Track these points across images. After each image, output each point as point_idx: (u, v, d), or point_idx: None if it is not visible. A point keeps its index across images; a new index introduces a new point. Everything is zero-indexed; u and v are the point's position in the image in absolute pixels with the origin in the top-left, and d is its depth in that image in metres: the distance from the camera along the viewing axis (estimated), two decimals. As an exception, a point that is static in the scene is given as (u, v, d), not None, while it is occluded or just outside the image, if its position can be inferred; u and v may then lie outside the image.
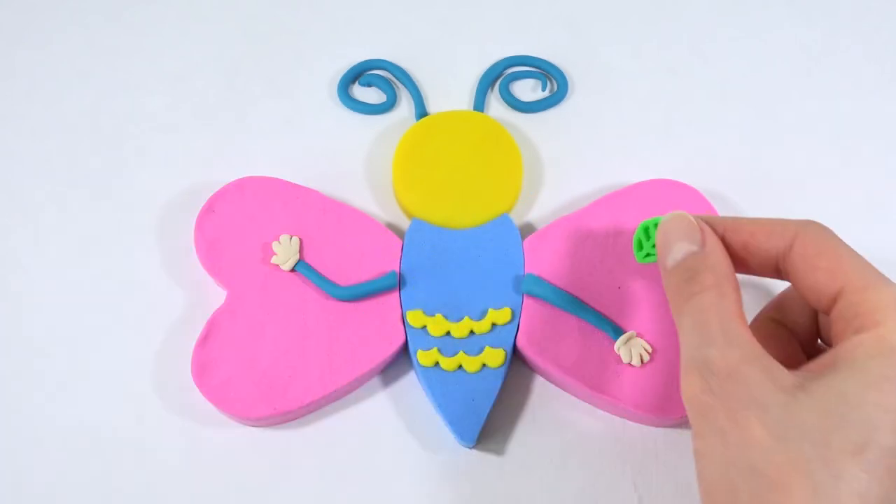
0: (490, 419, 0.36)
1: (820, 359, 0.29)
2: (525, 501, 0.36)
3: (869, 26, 0.46)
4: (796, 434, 0.27)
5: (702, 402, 0.29)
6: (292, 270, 0.37)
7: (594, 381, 0.36)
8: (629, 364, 0.36)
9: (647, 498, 0.36)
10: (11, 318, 0.38)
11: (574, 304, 0.37)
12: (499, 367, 0.36)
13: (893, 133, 0.43)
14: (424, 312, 0.37)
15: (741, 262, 0.32)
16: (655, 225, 0.35)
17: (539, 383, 0.38)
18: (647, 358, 0.36)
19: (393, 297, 0.37)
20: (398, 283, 0.37)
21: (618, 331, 0.36)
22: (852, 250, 0.31)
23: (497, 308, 0.37)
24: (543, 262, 0.38)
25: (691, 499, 0.36)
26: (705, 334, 0.30)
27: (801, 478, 0.27)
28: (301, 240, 0.38)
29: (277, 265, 0.37)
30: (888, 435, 0.27)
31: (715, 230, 0.32)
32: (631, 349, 0.36)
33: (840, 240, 0.31)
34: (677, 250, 0.32)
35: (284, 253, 0.37)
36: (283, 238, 0.38)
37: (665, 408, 0.35)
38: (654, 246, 0.35)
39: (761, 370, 0.29)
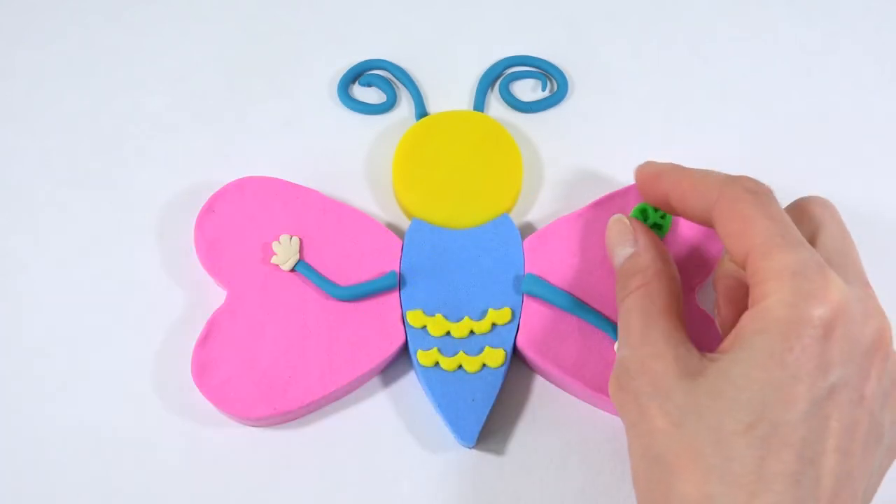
0: (490, 419, 0.36)
1: (727, 337, 0.30)
2: (525, 501, 0.36)
3: (869, 26, 0.46)
4: (693, 419, 0.28)
5: (618, 400, 0.31)
6: (292, 270, 0.37)
7: (594, 381, 0.36)
8: None
9: (647, 498, 0.36)
10: (11, 318, 0.38)
11: (574, 303, 0.37)
12: (499, 367, 0.36)
13: (893, 133, 0.43)
14: (424, 312, 0.37)
15: (683, 214, 0.34)
16: (655, 209, 0.37)
17: (539, 383, 0.38)
18: None
19: (393, 297, 0.37)
20: (398, 283, 0.37)
21: (617, 330, 0.36)
22: (770, 212, 0.30)
23: (497, 308, 0.37)
24: (543, 262, 0.38)
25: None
26: (625, 336, 0.32)
27: (695, 461, 0.28)
28: (301, 240, 0.38)
29: (277, 265, 0.37)
30: (777, 410, 0.27)
31: (662, 184, 0.34)
32: None
33: (759, 200, 0.31)
34: (617, 256, 0.34)
35: (284, 253, 0.37)
36: (283, 238, 0.38)
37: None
38: (650, 227, 0.37)
39: (671, 360, 0.30)
